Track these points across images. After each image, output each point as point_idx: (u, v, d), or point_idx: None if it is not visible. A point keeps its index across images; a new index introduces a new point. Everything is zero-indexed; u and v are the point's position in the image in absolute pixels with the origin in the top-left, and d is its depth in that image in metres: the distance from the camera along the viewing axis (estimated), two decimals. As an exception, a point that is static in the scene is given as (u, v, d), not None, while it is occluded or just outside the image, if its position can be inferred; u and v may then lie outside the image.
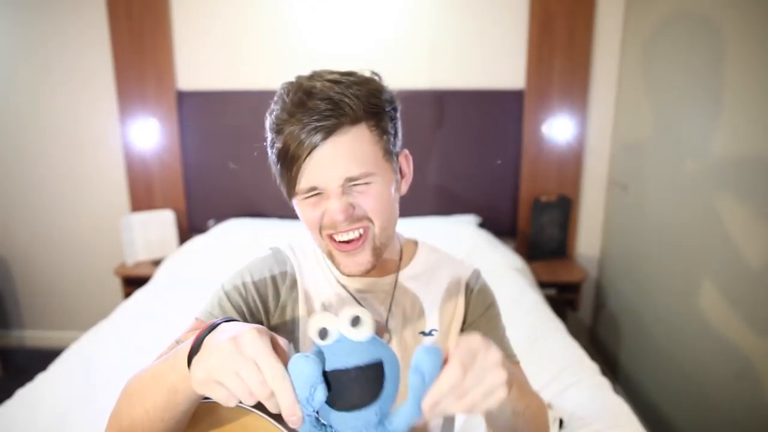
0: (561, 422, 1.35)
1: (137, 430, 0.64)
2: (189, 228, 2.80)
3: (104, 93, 2.70)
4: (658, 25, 2.21)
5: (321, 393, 0.55)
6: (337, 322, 0.56)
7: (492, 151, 2.70)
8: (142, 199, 2.78)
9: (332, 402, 0.57)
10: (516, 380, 0.65)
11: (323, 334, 0.56)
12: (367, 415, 0.56)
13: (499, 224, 2.73)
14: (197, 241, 2.51)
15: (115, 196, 2.83)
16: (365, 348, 0.57)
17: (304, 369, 0.54)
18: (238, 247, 2.30)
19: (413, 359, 0.56)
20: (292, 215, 0.83)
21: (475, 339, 0.58)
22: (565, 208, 2.66)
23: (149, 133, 2.69)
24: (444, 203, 2.69)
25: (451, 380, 0.54)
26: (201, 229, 2.76)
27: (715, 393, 1.78)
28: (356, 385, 0.56)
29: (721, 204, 1.77)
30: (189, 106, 2.68)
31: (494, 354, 0.58)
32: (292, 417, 0.53)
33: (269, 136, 0.76)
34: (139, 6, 2.57)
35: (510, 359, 0.84)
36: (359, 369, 0.56)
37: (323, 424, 0.58)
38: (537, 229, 2.67)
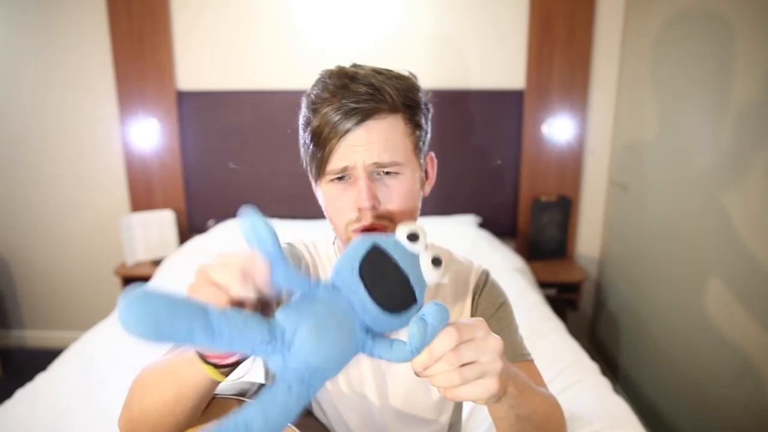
0: (561, 422, 1.35)
1: (147, 421, 0.65)
2: (189, 228, 2.80)
3: (104, 93, 2.69)
4: (658, 25, 2.21)
5: (262, 228, 0.52)
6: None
7: (492, 151, 2.70)
8: (142, 199, 2.78)
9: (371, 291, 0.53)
10: (517, 382, 0.62)
11: (413, 237, 0.54)
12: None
13: (499, 224, 2.73)
14: (197, 241, 2.51)
15: (115, 196, 2.83)
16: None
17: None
18: (238, 247, 2.29)
19: (422, 310, 0.53)
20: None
21: (475, 320, 0.56)
22: (565, 208, 2.66)
23: (149, 133, 2.69)
24: (444, 203, 2.69)
25: (446, 341, 0.52)
26: (201, 229, 2.76)
27: (715, 393, 1.78)
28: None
29: (721, 204, 1.77)
30: (189, 106, 2.68)
31: (494, 340, 0.55)
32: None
33: (304, 115, 0.77)
34: (139, 6, 2.57)
35: (523, 358, 0.83)
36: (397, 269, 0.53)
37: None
38: (537, 229, 2.67)
